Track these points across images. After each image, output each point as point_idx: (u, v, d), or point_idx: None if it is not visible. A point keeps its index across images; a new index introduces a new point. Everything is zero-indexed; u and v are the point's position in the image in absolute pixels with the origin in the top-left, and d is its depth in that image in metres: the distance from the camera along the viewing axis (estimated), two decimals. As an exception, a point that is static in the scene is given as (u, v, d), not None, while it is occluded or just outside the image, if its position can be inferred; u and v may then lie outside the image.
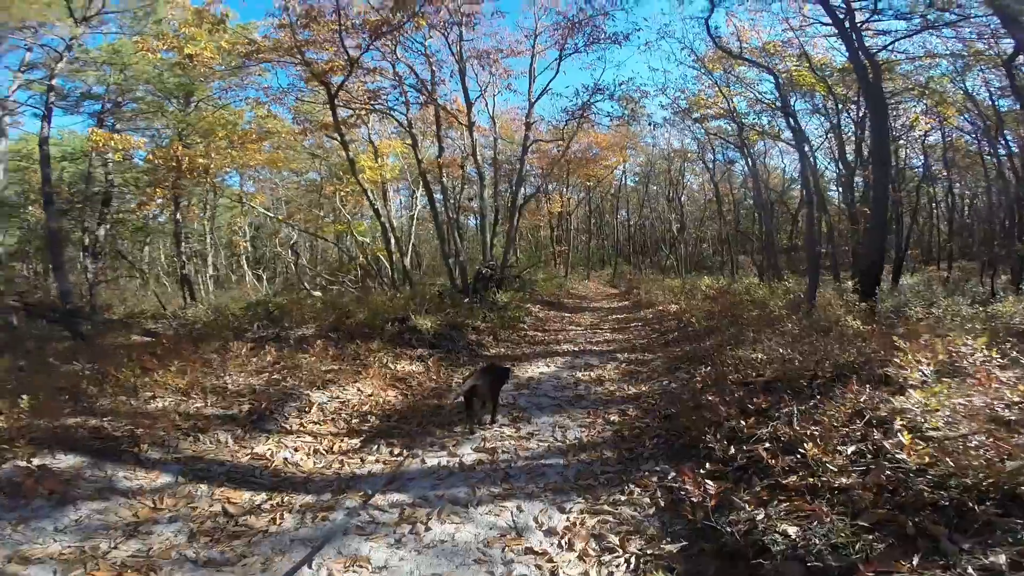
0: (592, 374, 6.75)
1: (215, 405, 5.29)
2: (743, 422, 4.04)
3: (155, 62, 17.03)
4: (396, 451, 4.61)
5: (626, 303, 15.92)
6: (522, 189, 14.05)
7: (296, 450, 4.53)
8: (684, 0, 21.16)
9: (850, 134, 19.33)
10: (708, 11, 12.06)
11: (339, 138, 12.14)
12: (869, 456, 3.08)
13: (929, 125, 18.58)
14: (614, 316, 12.62)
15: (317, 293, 13.04)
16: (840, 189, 21.14)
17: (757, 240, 22.63)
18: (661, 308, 12.34)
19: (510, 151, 21.15)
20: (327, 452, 4.60)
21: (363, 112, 12.91)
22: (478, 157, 13.54)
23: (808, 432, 3.50)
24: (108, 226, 22.52)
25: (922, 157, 21.00)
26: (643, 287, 17.90)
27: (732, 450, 3.77)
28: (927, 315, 8.35)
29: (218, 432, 4.63)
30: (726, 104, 20.49)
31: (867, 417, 3.54)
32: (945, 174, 20.48)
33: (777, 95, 17.57)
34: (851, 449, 3.19)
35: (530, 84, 14.78)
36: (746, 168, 26.23)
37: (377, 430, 5.11)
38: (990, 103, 17.76)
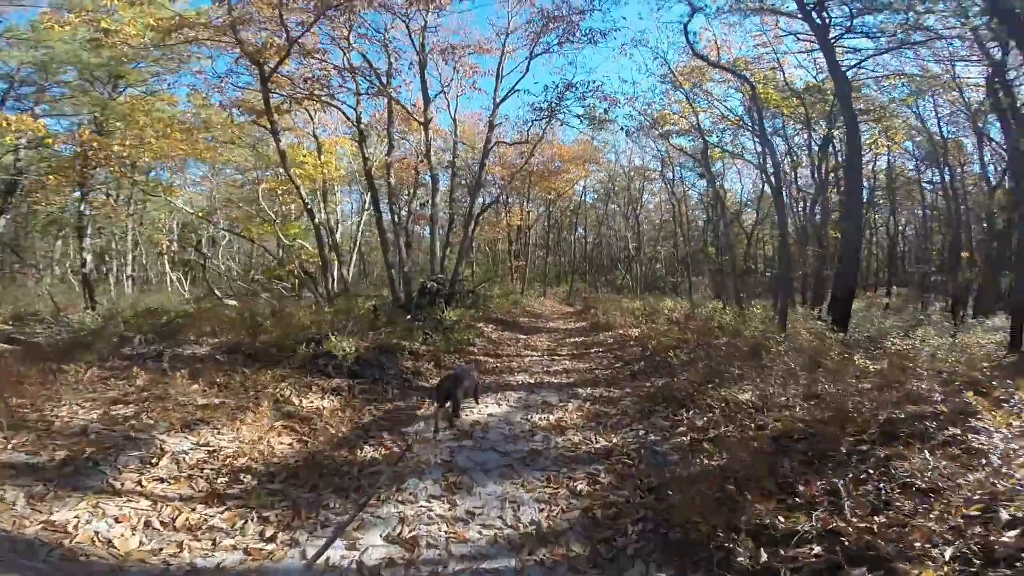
0: (551, 417, 5.42)
1: (21, 447, 3.78)
2: (768, 506, 2.85)
3: (68, 38, 14.89)
4: (269, 532, 3.22)
5: (583, 324, 14.81)
6: (480, 197, 12.73)
7: (118, 520, 3.13)
8: (663, 3, 20.46)
9: (803, 156, 19.41)
10: (688, 15, 11.29)
11: (269, 126, 10.43)
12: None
13: (880, 150, 18.80)
14: (572, 339, 11.42)
15: (232, 302, 11.11)
16: (797, 211, 21.16)
17: (712, 262, 22.27)
18: (622, 332, 11.27)
19: (470, 157, 19.86)
20: (166, 526, 3.19)
21: (300, 99, 11.23)
22: (432, 159, 12.15)
23: (878, 529, 2.34)
24: (7, 216, 19.64)
25: (869, 182, 21.28)
26: (600, 307, 16.89)
27: (763, 555, 2.55)
28: (907, 348, 7.68)
29: (6, 487, 3.21)
30: (692, 120, 20.28)
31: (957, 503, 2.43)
32: (885, 201, 20.83)
33: (745, 109, 17.37)
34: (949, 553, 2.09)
35: (496, 84, 13.62)
36: (706, 187, 26.27)
37: (251, 495, 3.63)
38: (937, 129, 18.25)
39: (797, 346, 7.92)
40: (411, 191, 16.72)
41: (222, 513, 3.38)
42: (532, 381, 7.22)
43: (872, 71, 13.31)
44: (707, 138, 20.35)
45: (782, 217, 9.78)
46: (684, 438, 4.61)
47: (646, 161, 29.42)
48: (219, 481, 3.79)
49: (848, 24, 10.19)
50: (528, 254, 28.48)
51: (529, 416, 5.41)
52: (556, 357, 9.23)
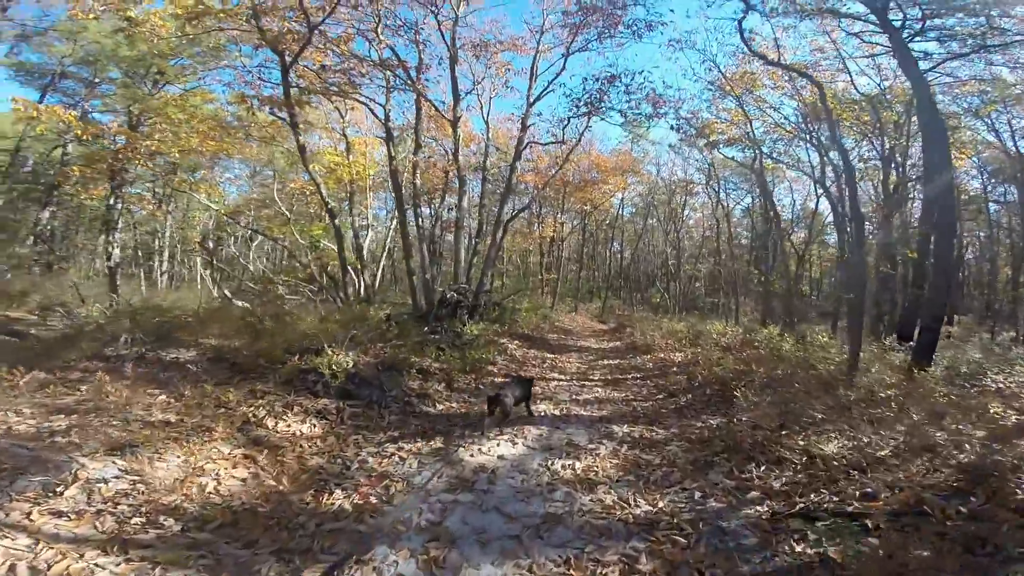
0: (577, 465, 4.26)
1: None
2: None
3: (107, 31, 15.04)
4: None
5: (618, 344, 13.51)
6: (509, 202, 11.76)
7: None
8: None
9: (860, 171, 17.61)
10: (742, 12, 10.13)
11: (288, 119, 9.81)
12: None
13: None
14: (605, 361, 10.18)
15: (242, 303, 10.46)
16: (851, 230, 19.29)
17: (760, 283, 20.51)
18: (663, 356, 9.97)
19: (503, 164, 19.05)
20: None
21: (323, 92, 10.59)
22: (461, 160, 11.29)
23: None
24: (52, 210, 20.09)
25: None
26: (637, 327, 15.54)
27: None
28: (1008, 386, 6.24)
29: None
30: (742, 128, 18.86)
31: None
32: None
33: (801, 117, 15.89)
34: None
35: (530, 83, 12.71)
36: (753, 201, 24.56)
37: (165, 544, 2.71)
38: (1012, 144, 16.23)
39: (877, 381, 6.55)
40: (440, 196, 15.94)
41: (116, 566, 2.47)
42: (557, 412, 6.06)
43: (939, 79, 11.77)
44: (760, 147, 18.97)
45: (859, 232, 8.33)
46: (760, 507, 3.39)
47: (688, 174, 27.95)
48: (133, 522, 2.89)
49: (919, 27, 8.83)
50: (560, 267, 27.29)
51: (549, 462, 4.27)
52: (587, 383, 8.04)
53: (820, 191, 17.70)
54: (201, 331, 7.31)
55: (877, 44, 11.11)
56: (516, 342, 10.92)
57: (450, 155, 12.46)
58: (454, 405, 6.16)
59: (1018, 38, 9.37)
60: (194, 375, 5.29)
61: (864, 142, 17.55)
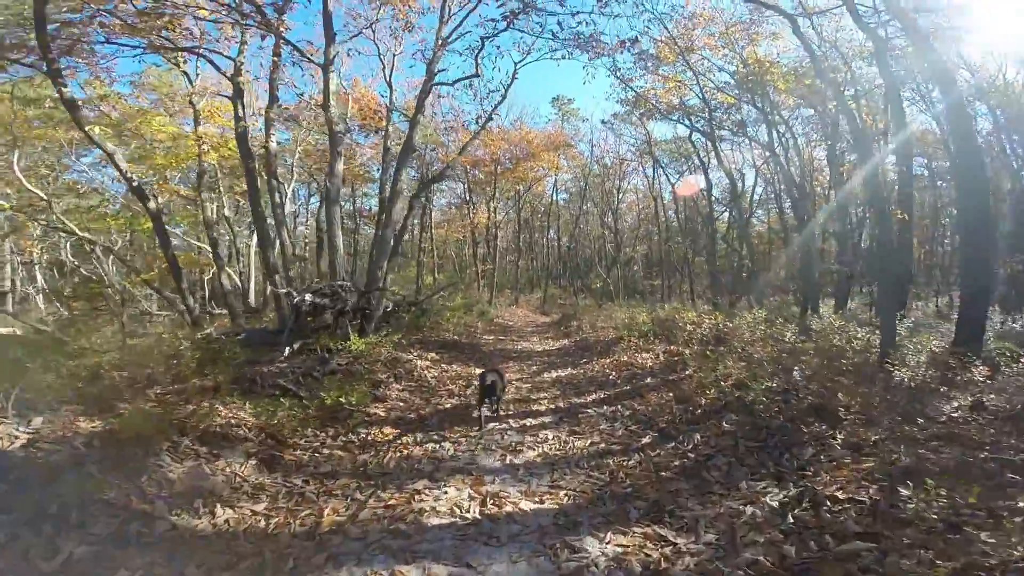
0: None
1: None
2: None
3: None
4: None
5: (565, 342, 10.71)
6: (408, 169, 8.48)
7: None
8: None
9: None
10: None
11: (46, 65, 6.08)
12: None
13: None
14: (554, 374, 7.27)
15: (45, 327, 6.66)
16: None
17: (713, 262, 18.58)
18: (626, 359, 7.22)
19: (431, 150, 15.73)
20: None
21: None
22: (332, 111, 7.91)
23: None
24: None
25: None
26: (584, 319, 12.86)
27: None
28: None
29: None
30: (678, 97, 16.73)
31: None
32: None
33: (742, 83, 13.75)
34: None
35: (441, 20, 9.47)
36: (703, 172, 22.71)
37: None
38: None
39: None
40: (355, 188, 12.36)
41: None
42: (476, 516, 3.01)
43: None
44: (700, 116, 16.91)
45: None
46: None
47: (622, 152, 25.80)
48: None
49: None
50: (496, 258, 24.32)
51: None
52: (529, 421, 5.05)
53: (767, 158, 15.79)
54: None
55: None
56: (433, 354, 7.76)
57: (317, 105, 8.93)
58: (258, 513, 2.94)
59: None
60: None
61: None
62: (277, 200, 7.61)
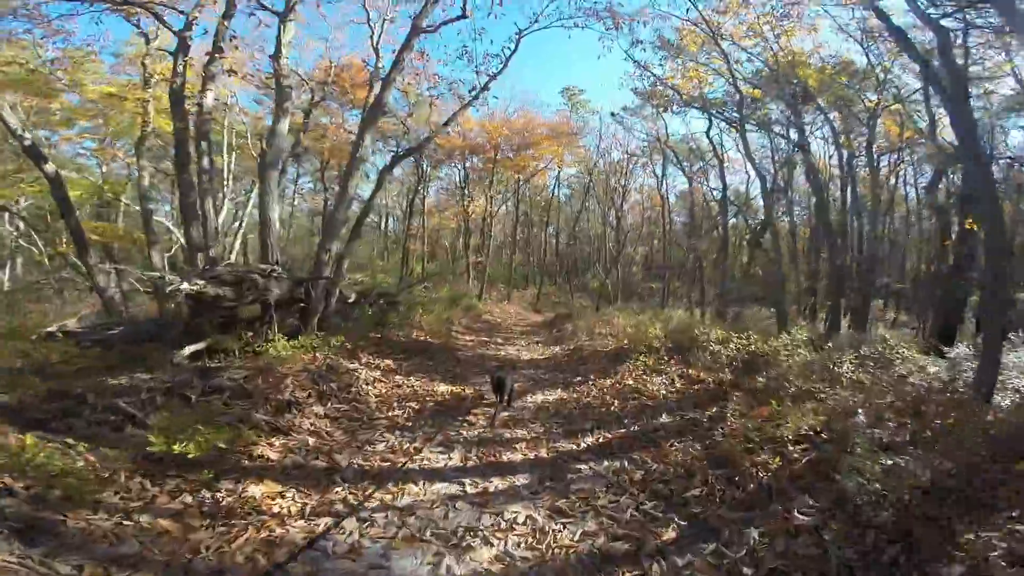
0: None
1: None
2: None
3: None
4: None
5: (557, 350, 9.05)
6: (372, 131, 6.64)
7: None
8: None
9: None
10: None
11: None
12: None
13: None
14: (540, 397, 5.57)
15: None
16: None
17: (720, 268, 16.90)
18: (632, 383, 5.54)
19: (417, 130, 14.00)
20: None
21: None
22: (284, 64, 6.20)
23: None
24: None
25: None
26: (580, 323, 11.20)
27: None
28: None
29: None
30: (698, 89, 15.02)
31: None
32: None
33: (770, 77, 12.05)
34: None
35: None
36: (701, 176, 21.01)
37: None
38: None
39: None
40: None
41: None
42: None
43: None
44: (721, 110, 15.23)
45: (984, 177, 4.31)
46: None
47: (631, 148, 24.08)
48: None
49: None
50: (489, 251, 22.57)
51: None
52: (495, 484, 3.36)
53: (795, 152, 14.09)
54: None
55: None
56: (389, 361, 6.08)
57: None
58: None
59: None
60: None
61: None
62: (205, 166, 5.90)
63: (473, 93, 9.42)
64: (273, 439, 3.63)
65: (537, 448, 3.93)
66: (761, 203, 23.56)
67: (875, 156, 13.67)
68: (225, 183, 12.77)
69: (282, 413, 4.03)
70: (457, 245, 27.91)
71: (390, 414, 4.46)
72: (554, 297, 25.46)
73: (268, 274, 5.06)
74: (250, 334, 4.89)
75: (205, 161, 5.94)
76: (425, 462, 3.59)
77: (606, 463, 3.64)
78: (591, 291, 25.55)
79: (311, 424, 4.05)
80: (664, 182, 22.82)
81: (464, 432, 4.17)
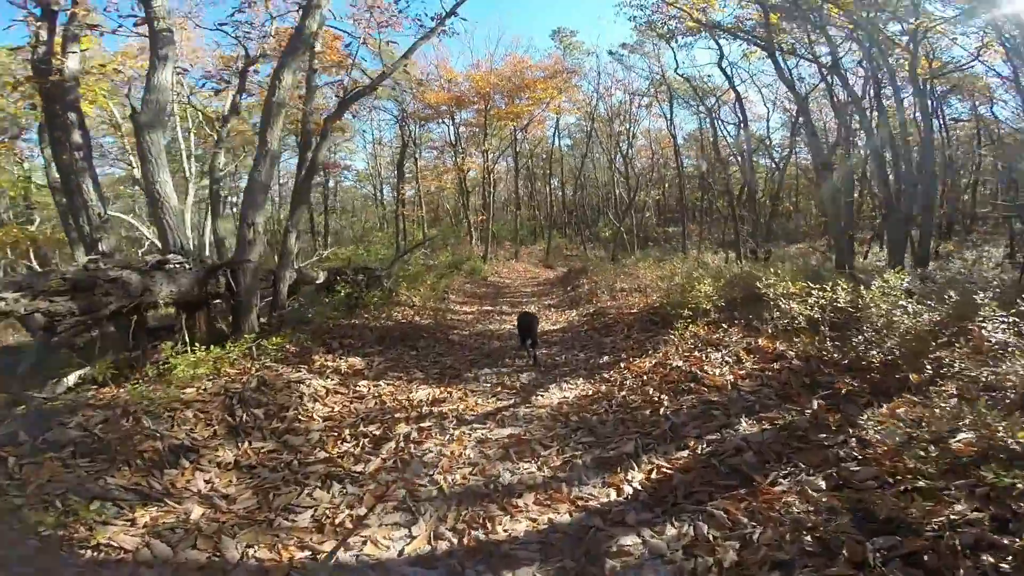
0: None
1: None
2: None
3: None
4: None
5: (573, 316, 7.49)
6: (291, 67, 4.80)
7: None
8: None
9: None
10: None
11: None
12: None
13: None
14: (552, 392, 4.04)
15: None
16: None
17: (741, 205, 14.90)
18: (681, 364, 3.98)
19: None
20: None
21: None
22: (158, 5, 4.42)
23: None
24: None
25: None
26: (599, 277, 9.57)
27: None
28: None
29: None
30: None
31: None
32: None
33: None
34: None
35: None
36: (711, 115, 18.45)
37: None
38: None
39: None
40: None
41: None
42: None
43: None
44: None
45: None
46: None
47: (632, 85, 21.54)
48: None
49: None
50: (491, 205, 20.74)
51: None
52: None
53: (827, 76, 11.67)
54: None
55: None
56: (356, 359, 4.59)
57: None
58: None
59: None
60: None
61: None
62: (77, 140, 4.31)
63: (435, 22, 7.45)
64: (139, 512, 2.24)
65: (552, 501, 2.43)
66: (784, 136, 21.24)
67: (921, 82, 11.21)
68: (187, 171, 11.16)
69: (160, 469, 2.60)
70: (460, 207, 26.07)
71: (335, 451, 2.99)
72: (565, 250, 23.76)
73: (150, 268, 3.52)
74: (143, 350, 3.43)
75: (76, 135, 4.35)
76: (367, 547, 2.13)
77: (670, 529, 2.13)
78: (604, 240, 23.73)
79: (206, 481, 2.61)
80: (672, 123, 20.36)
81: (441, 477, 2.68)
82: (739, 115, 15.95)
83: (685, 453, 2.76)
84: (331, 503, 2.48)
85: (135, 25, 5.13)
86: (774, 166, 21.87)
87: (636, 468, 2.67)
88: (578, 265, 14.78)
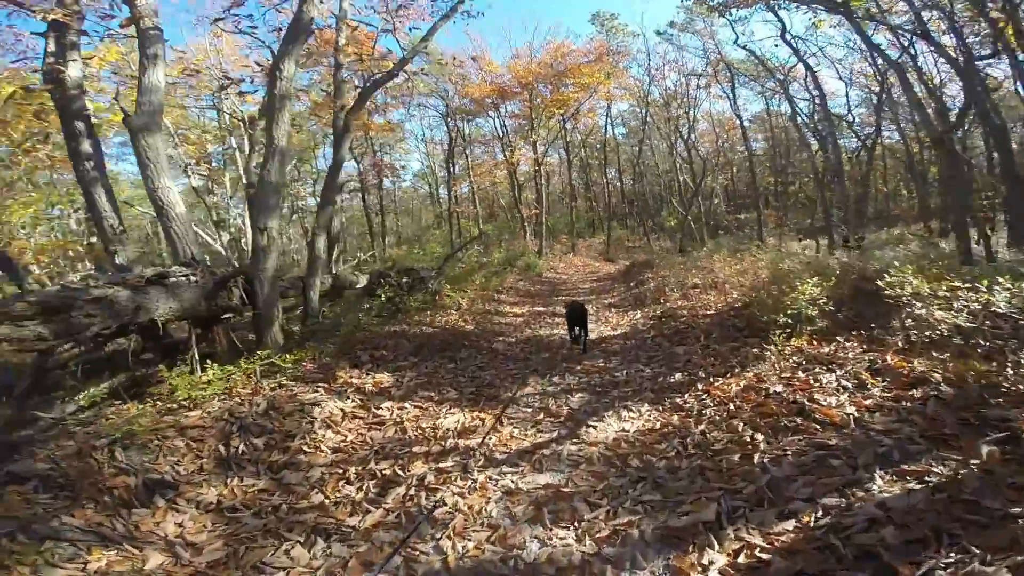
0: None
1: None
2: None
3: None
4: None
5: (638, 319, 6.60)
6: (293, 54, 4.31)
7: None
8: None
9: None
10: None
11: None
12: None
13: None
14: (624, 419, 3.28)
15: None
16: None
17: (837, 189, 12.97)
18: (782, 390, 3.07)
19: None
20: None
21: None
22: (144, 2, 4.16)
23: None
24: None
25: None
26: (667, 272, 8.54)
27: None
28: None
29: None
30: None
31: None
32: None
33: None
34: None
35: None
36: (811, 78, 16.28)
37: None
38: None
39: None
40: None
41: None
42: None
43: None
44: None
45: None
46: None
47: (687, 65, 19.83)
48: None
49: None
50: (543, 198, 19.92)
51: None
52: None
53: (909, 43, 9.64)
54: None
55: None
56: (385, 375, 4.10)
57: None
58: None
59: None
60: None
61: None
62: (87, 149, 4.18)
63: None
64: (95, 556, 1.86)
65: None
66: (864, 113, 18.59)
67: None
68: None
69: (129, 508, 2.22)
70: (513, 202, 25.47)
71: (334, 495, 2.45)
72: (627, 242, 22.43)
73: (145, 283, 3.19)
74: (152, 369, 3.13)
75: (86, 144, 4.23)
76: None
77: None
78: (669, 231, 22.12)
79: (178, 524, 2.18)
80: (736, 103, 18.40)
81: (449, 544, 2.04)
82: (811, 91, 14.01)
83: (790, 525, 1.91)
84: (307, 566, 1.94)
85: (120, 26, 4.98)
86: (859, 145, 19.18)
87: (718, 546, 1.87)
88: (641, 258, 13.64)
